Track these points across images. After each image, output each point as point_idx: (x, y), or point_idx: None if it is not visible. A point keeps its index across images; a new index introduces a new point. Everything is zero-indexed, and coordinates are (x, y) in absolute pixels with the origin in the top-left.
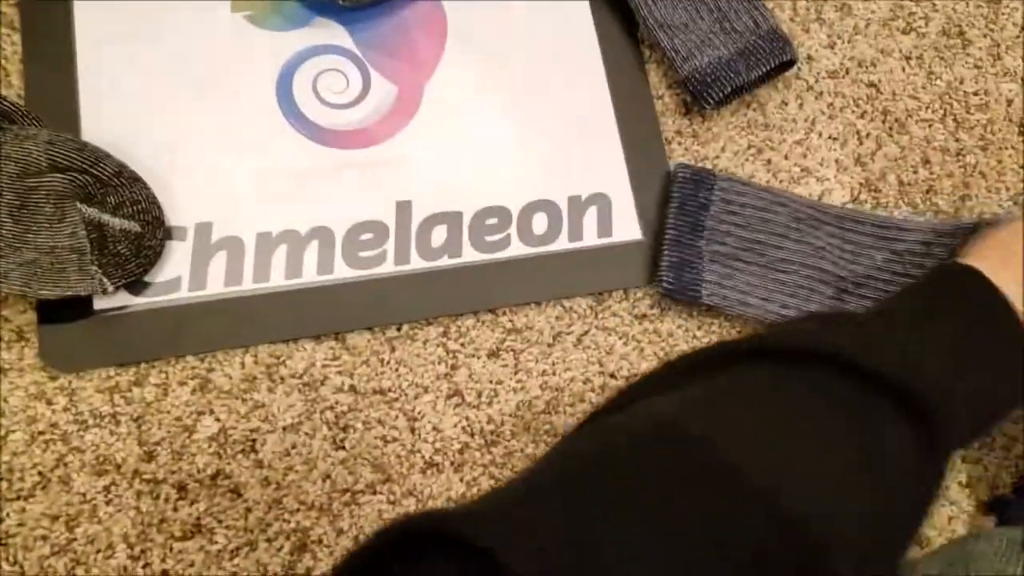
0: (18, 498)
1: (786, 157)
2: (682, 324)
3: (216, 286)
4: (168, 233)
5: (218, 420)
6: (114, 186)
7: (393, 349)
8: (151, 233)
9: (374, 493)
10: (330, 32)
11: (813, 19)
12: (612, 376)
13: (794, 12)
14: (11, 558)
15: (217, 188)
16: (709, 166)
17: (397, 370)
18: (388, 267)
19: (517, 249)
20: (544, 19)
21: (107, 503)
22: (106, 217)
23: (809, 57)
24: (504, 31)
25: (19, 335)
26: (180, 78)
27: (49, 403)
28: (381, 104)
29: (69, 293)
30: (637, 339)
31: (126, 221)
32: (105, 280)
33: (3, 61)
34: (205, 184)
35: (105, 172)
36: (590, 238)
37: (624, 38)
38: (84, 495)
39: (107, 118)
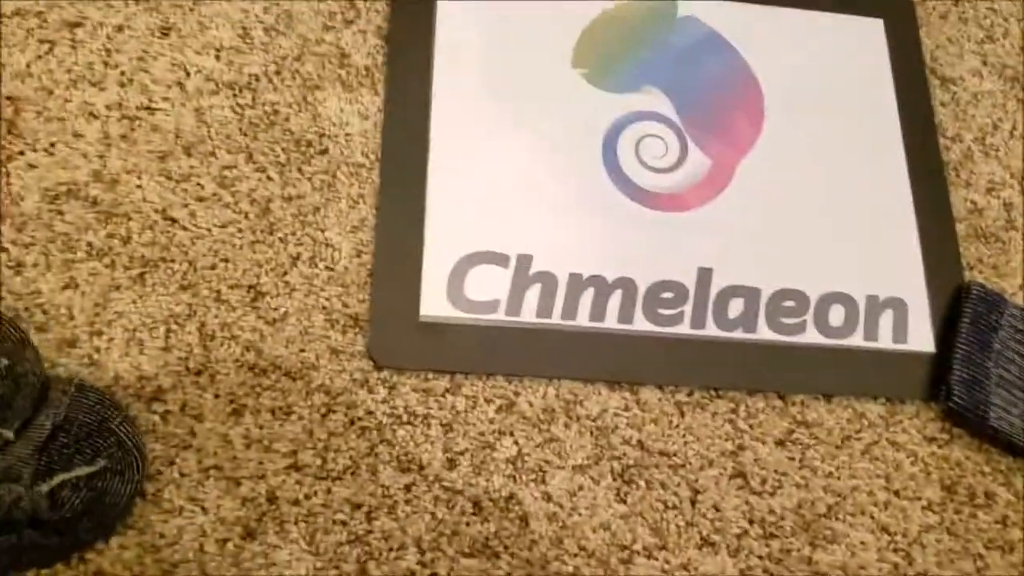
0: (327, 478)
1: None
2: (971, 456)
3: (529, 315)
4: (35, 352)
5: (516, 444)
6: None
7: (682, 414)
8: (18, 359)
9: (649, 557)
10: (656, 100)
11: None
12: (896, 494)
13: None
14: (309, 537)
15: (540, 225)
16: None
17: (684, 436)
18: (684, 328)
19: (812, 337)
20: (858, 123)
21: (407, 502)
22: None
23: None
24: (818, 125)
25: (355, 321)
26: (519, 116)
27: (371, 391)
28: (695, 174)
29: None
30: (925, 461)
31: None
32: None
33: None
34: (530, 220)
35: None
36: (885, 340)
37: (930, 161)
38: (387, 489)
39: (454, 151)
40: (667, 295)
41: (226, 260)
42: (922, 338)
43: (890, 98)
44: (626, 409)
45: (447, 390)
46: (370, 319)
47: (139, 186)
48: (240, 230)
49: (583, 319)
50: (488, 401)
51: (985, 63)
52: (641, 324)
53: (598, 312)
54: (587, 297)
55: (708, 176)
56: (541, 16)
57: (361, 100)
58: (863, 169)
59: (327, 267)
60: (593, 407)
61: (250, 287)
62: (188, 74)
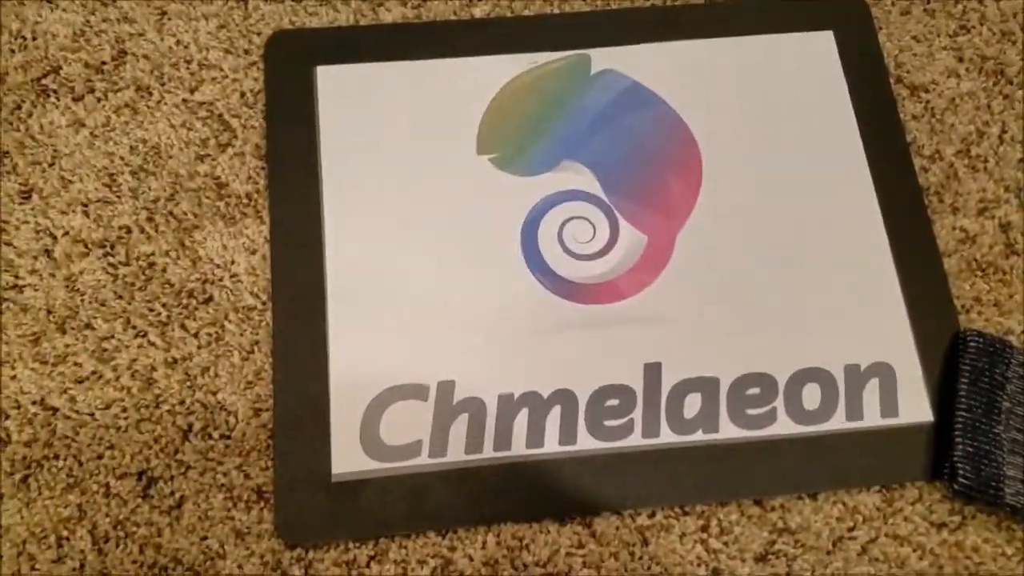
0: None
1: None
2: (989, 538)
3: (457, 453)
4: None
5: None
6: None
7: (645, 541)
8: None
9: None
10: (577, 176)
11: None
12: None
13: None
14: None
15: (461, 344)
16: (1014, 341)
17: (650, 568)
18: (635, 440)
19: (784, 427)
20: (814, 160)
21: None
22: None
23: None
24: (767, 176)
25: (259, 495)
26: (423, 222)
27: (284, 575)
28: (629, 255)
29: None
30: (935, 553)
31: None
32: None
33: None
34: (449, 340)
35: None
36: (872, 418)
37: (905, 189)
38: None
39: (354, 275)
40: (612, 403)
41: (112, 447)
42: (916, 407)
43: (850, 122)
44: (580, 546)
45: (372, 558)
46: (275, 490)
47: (13, 377)
48: (124, 409)
49: (519, 447)
50: (421, 563)
51: (961, 59)
52: (586, 442)
53: (535, 436)
54: (521, 420)
55: (645, 255)
56: (436, 106)
57: (245, 232)
58: (825, 215)
59: (222, 435)
60: (542, 551)
61: (140, 474)
62: (55, 239)
